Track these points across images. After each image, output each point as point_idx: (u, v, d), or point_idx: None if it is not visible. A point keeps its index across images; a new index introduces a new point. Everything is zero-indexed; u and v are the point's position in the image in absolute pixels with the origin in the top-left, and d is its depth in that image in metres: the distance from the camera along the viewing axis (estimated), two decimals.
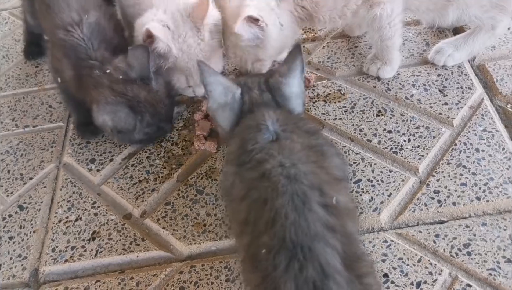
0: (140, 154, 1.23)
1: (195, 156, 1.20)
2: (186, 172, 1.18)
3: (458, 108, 1.18)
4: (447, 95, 1.21)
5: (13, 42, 1.57)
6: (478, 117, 1.16)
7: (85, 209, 1.14)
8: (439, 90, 1.22)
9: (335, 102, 1.25)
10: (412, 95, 1.23)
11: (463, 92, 1.21)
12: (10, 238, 1.12)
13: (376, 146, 1.14)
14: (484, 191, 1.03)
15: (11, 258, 1.08)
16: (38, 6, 1.20)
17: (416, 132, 1.15)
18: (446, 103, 1.19)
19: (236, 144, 0.83)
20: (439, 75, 1.26)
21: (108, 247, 1.07)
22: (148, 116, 1.13)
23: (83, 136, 1.28)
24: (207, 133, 1.22)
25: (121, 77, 1.11)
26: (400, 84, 1.25)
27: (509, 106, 1.17)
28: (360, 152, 1.14)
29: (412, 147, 1.13)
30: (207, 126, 1.23)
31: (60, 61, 1.15)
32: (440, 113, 1.18)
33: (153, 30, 1.10)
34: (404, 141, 1.14)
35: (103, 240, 1.08)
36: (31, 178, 1.23)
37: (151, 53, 1.11)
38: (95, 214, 1.13)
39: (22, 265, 1.07)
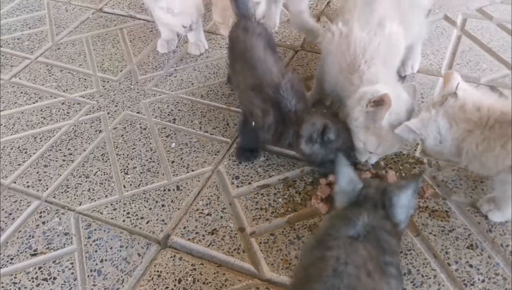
0: (271, 188, 1.57)
1: (308, 209, 1.50)
2: (296, 218, 1.48)
3: None
4: None
5: (225, 63, 2.03)
6: None
7: (216, 210, 1.52)
8: None
9: (437, 220, 1.43)
10: (507, 245, 1.35)
11: None
12: (162, 205, 1.56)
13: (452, 271, 1.31)
14: None
15: (157, 219, 1.52)
16: (239, 66, 1.62)
17: (494, 277, 1.29)
18: None
19: (327, 224, 1.09)
20: None
21: (219, 245, 1.43)
22: (341, 140, 1.45)
23: (239, 157, 1.67)
24: (324, 196, 1.51)
25: (325, 110, 1.53)
26: (503, 231, 1.38)
27: None
28: (436, 270, 1.32)
29: (483, 288, 1.27)
30: (327, 191, 1.52)
31: (265, 111, 1.50)
32: None
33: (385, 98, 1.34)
34: (479, 279, 1.29)
35: (218, 237, 1.45)
36: (193, 170, 1.66)
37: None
38: (221, 217, 1.50)
39: (161, 228, 1.49)
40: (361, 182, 1.14)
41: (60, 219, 1.54)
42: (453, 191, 1.51)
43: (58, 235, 1.49)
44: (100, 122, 1.87)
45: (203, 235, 1.46)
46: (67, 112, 1.92)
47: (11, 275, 1.40)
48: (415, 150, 1.63)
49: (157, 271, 1.38)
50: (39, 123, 1.88)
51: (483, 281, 1.28)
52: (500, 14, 2.18)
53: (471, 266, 1.32)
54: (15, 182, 1.67)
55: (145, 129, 1.83)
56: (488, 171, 1.30)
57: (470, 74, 1.90)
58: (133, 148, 1.76)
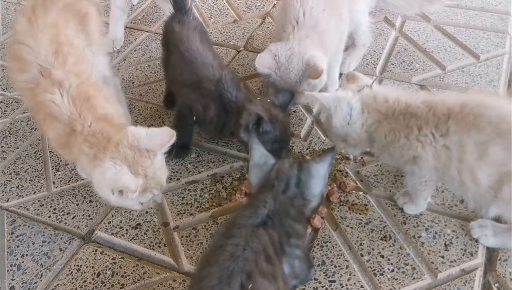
0: (198, 184, 1.60)
1: (232, 204, 1.52)
2: (220, 212, 1.51)
3: (450, 266, 1.32)
4: (448, 251, 1.35)
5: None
6: (462, 281, 1.29)
7: None
8: (444, 244, 1.37)
9: (356, 213, 1.47)
10: (420, 237, 1.39)
11: (463, 255, 1.34)
12: (90, 201, 1.57)
13: (364, 262, 1.34)
14: None
15: (83, 215, 1.53)
16: (174, 59, 1.62)
17: (403, 267, 1.32)
18: (443, 257, 1.34)
19: (237, 214, 1.11)
20: (453, 231, 1.40)
21: (141, 239, 1.45)
22: (278, 132, 1.48)
23: (170, 154, 1.68)
24: (249, 191, 1.53)
25: (269, 100, 1.52)
26: (417, 223, 1.43)
27: (496, 285, 1.28)
28: (349, 261, 1.35)
29: (392, 277, 1.30)
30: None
31: (206, 105, 1.53)
32: (432, 262, 1.33)
33: (258, 59, 1.57)
34: (389, 269, 1.32)
35: (141, 232, 1.47)
36: None
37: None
38: (146, 212, 1.52)
39: (86, 223, 1.51)
40: (273, 158, 1.18)
41: None
42: (374, 186, 1.55)
43: None
44: None
45: (126, 230, 1.48)
46: (4, 111, 1.93)
47: None
48: None
49: (77, 265, 1.39)
50: None
51: (392, 270, 1.32)
52: (438, 16, 2.24)
53: (382, 256, 1.36)
54: None
55: None
56: (396, 162, 1.34)
57: (403, 74, 1.95)
58: None
